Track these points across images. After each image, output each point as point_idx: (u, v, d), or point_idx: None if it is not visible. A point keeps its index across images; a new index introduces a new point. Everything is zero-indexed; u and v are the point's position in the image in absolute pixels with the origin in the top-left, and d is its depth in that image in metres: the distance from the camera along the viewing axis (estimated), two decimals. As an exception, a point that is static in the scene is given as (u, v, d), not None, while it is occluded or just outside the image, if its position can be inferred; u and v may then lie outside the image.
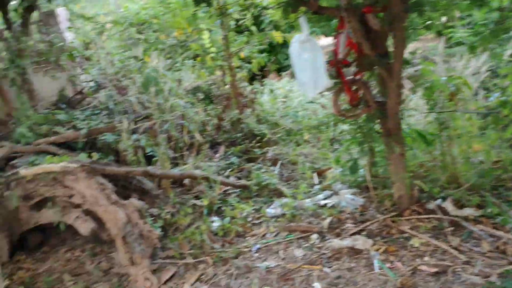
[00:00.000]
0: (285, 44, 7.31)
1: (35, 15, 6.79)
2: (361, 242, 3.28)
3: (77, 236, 4.06)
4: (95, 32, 7.97)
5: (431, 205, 3.54)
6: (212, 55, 7.06)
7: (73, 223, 3.76)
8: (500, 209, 3.25)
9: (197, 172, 4.41)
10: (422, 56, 7.35)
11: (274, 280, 3.07)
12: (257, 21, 8.67)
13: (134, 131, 5.14)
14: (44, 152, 4.49)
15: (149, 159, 4.87)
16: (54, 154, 4.33)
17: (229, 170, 5.26)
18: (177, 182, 4.88)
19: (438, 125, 3.75)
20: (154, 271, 3.35)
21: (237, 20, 8.17)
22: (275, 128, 6.28)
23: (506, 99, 3.62)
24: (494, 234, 3.08)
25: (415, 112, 4.25)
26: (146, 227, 3.51)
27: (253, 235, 3.81)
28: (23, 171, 3.73)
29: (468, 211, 3.35)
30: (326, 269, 3.07)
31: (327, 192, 4.38)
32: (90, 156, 4.13)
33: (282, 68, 10.28)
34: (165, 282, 3.25)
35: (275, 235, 3.74)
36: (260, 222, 4.03)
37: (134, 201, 3.67)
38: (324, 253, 3.29)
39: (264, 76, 9.18)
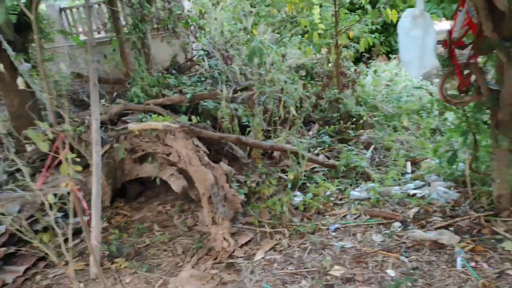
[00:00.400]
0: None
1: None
2: (447, 237, 3.07)
3: (169, 192, 4.45)
4: (211, 2, 8.37)
5: (537, 210, 3.16)
6: (320, 31, 6.96)
7: (168, 179, 4.12)
8: None
9: (287, 146, 4.48)
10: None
11: (347, 260, 3.05)
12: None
13: (233, 100, 5.37)
14: (152, 112, 4.93)
15: (243, 129, 5.07)
16: (160, 114, 4.72)
17: (320, 148, 5.24)
18: (267, 153, 5.02)
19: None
20: (233, 234, 3.54)
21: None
22: (373, 112, 6.05)
23: None
24: None
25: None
26: (231, 191, 3.69)
27: (333, 215, 3.80)
28: (131, 126, 4.15)
29: None
30: (403, 258, 2.95)
31: (419, 182, 4.15)
32: (190, 119, 4.43)
33: (393, 51, 9.75)
34: (241, 246, 3.42)
35: (356, 218, 3.68)
36: (343, 203, 3.99)
37: (224, 165, 3.87)
38: (404, 242, 3.16)
39: (371, 57, 8.82)
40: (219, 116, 4.90)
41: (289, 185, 4.19)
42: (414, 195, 3.87)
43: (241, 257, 3.29)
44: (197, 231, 3.82)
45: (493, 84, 3.15)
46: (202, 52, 7.06)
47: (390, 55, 9.33)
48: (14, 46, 5.10)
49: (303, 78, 6.97)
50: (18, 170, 4.07)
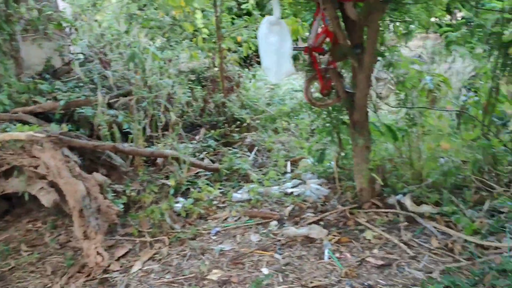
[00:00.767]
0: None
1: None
2: (316, 231, 3.28)
3: (42, 208, 4.08)
4: (89, 3, 7.89)
5: (392, 199, 3.53)
6: (204, 36, 6.99)
7: (37, 193, 3.77)
8: (456, 208, 3.25)
9: (168, 152, 4.41)
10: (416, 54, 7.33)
11: (225, 263, 3.08)
12: (261, 5, 8.56)
13: (113, 106, 5.13)
14: (20, 121, 4.48)
15: (127, 136, 4.87)
16: (27, 123, 4.32)
17: (205, 152, 5.25)
18: (150, 160, 4.88)
19: (408, 121, 3.72)
20: (109, 247, 3.37)
21: (239, 3, 8.07)
22: (257, 114, 6.25)
23: (478, 100, 3.59)
24: (446, 232, 3.08)
25: (388, 106, 4.20)
26: (106, 202, 3.51)
27: (215, 218, 3.82)
28: (-11, 138, 3.73)
29: (426, 208, 3.35)
30: (277, 256, 3.08)
31: (296, 181, 4.38)
32: (61, 128, 4.12)
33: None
34: (118, 259, 3.27)
35: (236, 220, 3.75)
36: (225, 206, 4.04)
37: (97, 176, 3.67)
38: (279, 240, 3.30)
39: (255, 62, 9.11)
40: (95, 123, 4.64)
41: (171, 192, 4.12)
42: (291, 193, 4.07)
43: (117, 270, 3.14)
44: (71, 248, 3.56)
45: (349, 87, 3.45)
46: (81, 56, 6.65)
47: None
48: None
49: (192, 82, 6.93)
50: None
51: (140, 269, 3.13)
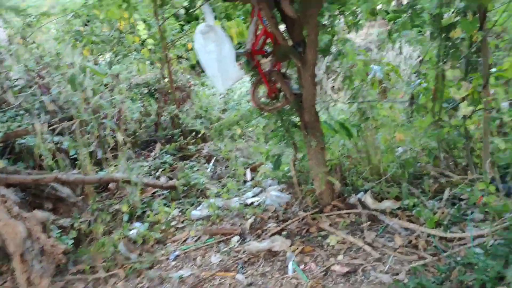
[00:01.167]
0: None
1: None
2: (279, 243, 3.13)
3: (-15, 253, 3.75)
4: (24, 25, 7.46)
5: (353, 199, 3.43)
6: (150, 47, 6.73)
7: (-25, 239, 3.45)
8: (417, 200, 3.17)
9: (117, 175, 4.15)
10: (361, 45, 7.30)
11: (185, 291, 2.88)
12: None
13: (57, 133, 4.81)
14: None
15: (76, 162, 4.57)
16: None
17: (161, 169, 5.01)
18: (102, 186, 4.61)
19: (360, 115, 3.63)
20: (59, 290, 3.11)
21: (187, 9, 7.81)
22: (214, 123, 6.05)
23: (427, 86, 3.52)
24: (408, 228, 2.99)
25: (339, 103, 4.10)
26: (50, 241, 3.23)
27: (174, 241, 3.61)
28: None
29: (387, 204, 3.26)
30: (239, 276, 2.90)
31: (257, 189, 4.22)
32: (-3, 164, 3.80)
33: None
34: (70, 301, 3.02)
35: (196, 240, 3.55)
36: (184, 226, 3.83)
37: (38, 213, 3.39)
38: (240, 258, 3.13)
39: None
40: (35, 153, 4.32)
41: (125, 218, 3.88)
42: (251, 204, 3.91)
43: (68, 316, 2.89)
44: (18, 295, 3.27)
45: (296, 88, 3.31)
46: (20, 82, 6.25)
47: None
48: None
49: (144, 96, 6.65)
50: None
51: (94, 310, 2.89)
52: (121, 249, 3.41)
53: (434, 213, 2.98)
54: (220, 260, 3.16)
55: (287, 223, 3.40)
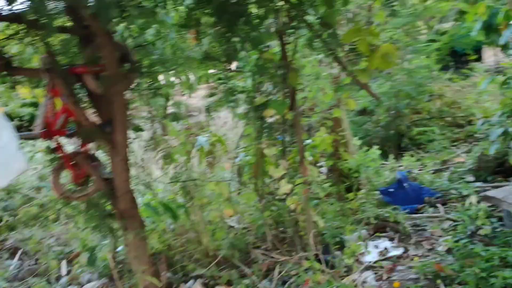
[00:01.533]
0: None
1: None
2: None
3: None
4: None
5: (182, 290, 3.08)
6: None
7: None
8: (249, 282, 2.99)
9: None
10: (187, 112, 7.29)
11: None
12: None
13: None
14: None
15: None
16: None
17: None
18: None
19: (185, 194, 3.38)
20: None
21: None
22: (26, 203, 5.10)
23: (249, 161, 3.49)
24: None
25: (161, 183, 3.82)
26: None
27: None
28: None
29: (219, 293, 3.00)
30: None
31: (74, 287, 3.54)
32: None
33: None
34: None
35: None
36: None
37: None
38: None
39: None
40: None
41: None
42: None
43: None
44: None
45: (107, 172, 2.90)
46: None
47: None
48: None
49: None
50: None
51: None
52: None
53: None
54: None
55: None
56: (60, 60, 2.75)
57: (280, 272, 3.13)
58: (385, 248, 3.46)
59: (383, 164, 5.02)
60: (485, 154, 4.44)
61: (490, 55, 8.81)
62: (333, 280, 2.74)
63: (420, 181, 4.60)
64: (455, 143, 5.98)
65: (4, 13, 2.45)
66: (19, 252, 4.26)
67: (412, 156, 5.55)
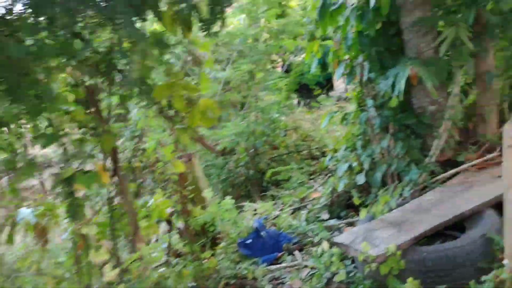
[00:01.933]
0: None
1: None
2: None
3: None
4: None
5: None
6: None
7: None
8: None
9: None
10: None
11: None
12: None
13: None
14: None
15: None
16: None
17: None
18: None
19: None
20: None
21: None
22: None
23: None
24: None
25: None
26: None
27: None
28: None
29: None
30: None
31: None
32: None
33: None
34: None
35: None
36: None
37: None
38: None
39: None
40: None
41: None
42: None
43: None
44: None
45: None
46: None
47: None
48: None
49: None
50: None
51: None
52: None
53: None
54: None
55: None
56: None
57: None
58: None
59: (241, 210, 4.75)
60: (336, 189, 4.46)
61: (341, 82, 9.42)
62: None
63: (279, 225, 4.41)
64: (312, 177, 6.03)
65: None
66: None
67: (272, 196, 5.42)
